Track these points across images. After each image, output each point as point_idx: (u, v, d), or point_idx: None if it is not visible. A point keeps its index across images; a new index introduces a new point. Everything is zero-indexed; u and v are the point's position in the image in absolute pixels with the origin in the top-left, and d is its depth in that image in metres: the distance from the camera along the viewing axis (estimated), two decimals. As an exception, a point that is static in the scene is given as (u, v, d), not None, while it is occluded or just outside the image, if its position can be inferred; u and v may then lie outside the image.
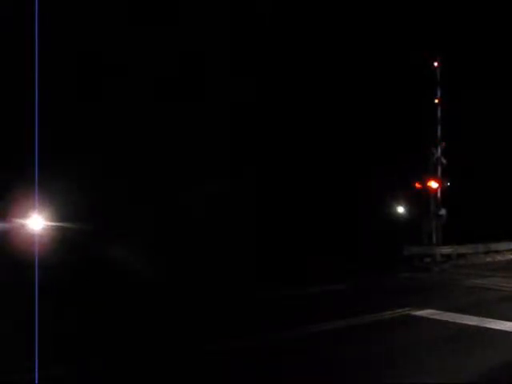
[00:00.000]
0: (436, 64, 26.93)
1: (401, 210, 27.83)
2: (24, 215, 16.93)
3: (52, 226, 17.54)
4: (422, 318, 12.97)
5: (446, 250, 26.53)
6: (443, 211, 26.44)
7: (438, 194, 26.68)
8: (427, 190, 26.34)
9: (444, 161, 26.61)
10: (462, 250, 27.32)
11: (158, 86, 23.07)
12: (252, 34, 25.22)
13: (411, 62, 26.55)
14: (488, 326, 11.95)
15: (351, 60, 28.43)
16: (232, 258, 18.48)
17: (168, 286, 15.26)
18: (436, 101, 26.91)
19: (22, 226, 16.94)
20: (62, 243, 16.93)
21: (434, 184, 26.29)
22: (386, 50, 28.26)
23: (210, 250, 19.10)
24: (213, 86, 24.11)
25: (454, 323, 12.34)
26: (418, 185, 26.30)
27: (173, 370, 9.01)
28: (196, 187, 21.83)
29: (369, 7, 28.88)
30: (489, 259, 27.82)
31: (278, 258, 19.84)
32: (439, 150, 26.76)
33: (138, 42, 22.04)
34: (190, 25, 23.39)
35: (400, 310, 13.66)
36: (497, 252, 29.13)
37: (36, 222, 17.10)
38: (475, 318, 12.57)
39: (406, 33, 27.64)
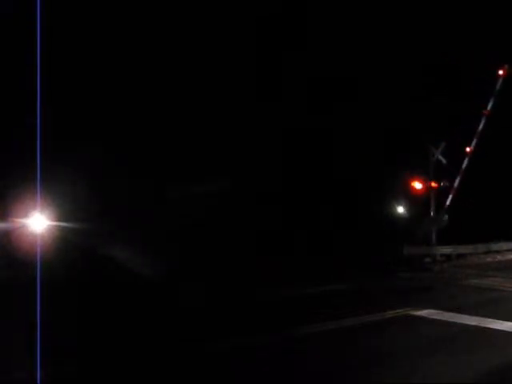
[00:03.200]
0: (501, 72, 25.54)
1: (401, 210, 27.84)
2: (26, 215, 16.95)
3: (54, 225, 17.55)
4: (422, 318, 13.02)
5: (446, 250, 26.57)
6: (446, 216, 26.51)
7: (448, 201, 26.56)
8: (427, 190, 26.36)
9: (444, 161, 26.64)
10: (462, 250, 27.37)
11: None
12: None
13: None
14: (488, 325, 11.99)
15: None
16: (231, 258, 18.51)
17: (167, 286, 15.33)
18: (484, 112, 25.70)
19: (24, 225, 16.96)
20: (64, 243, 16.95)
21: (433, 184, 26.33)
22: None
23: (209, 250, 19.12)
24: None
25: (454, 323, 12.38)
26: (418, 185, 26.30)
27: (172, 367, 9.09)
28: (195, 187, 21.85)
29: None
30: (489, 259, 27.86)
31: (276, 259, 19.83)
32: (466, 160, 26.03)
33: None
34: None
35: (400, 310, 13.71)
36: (497, 252, 29.20)
37: (38, 222, 17.11)
38: (475, 318, 12.62)
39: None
